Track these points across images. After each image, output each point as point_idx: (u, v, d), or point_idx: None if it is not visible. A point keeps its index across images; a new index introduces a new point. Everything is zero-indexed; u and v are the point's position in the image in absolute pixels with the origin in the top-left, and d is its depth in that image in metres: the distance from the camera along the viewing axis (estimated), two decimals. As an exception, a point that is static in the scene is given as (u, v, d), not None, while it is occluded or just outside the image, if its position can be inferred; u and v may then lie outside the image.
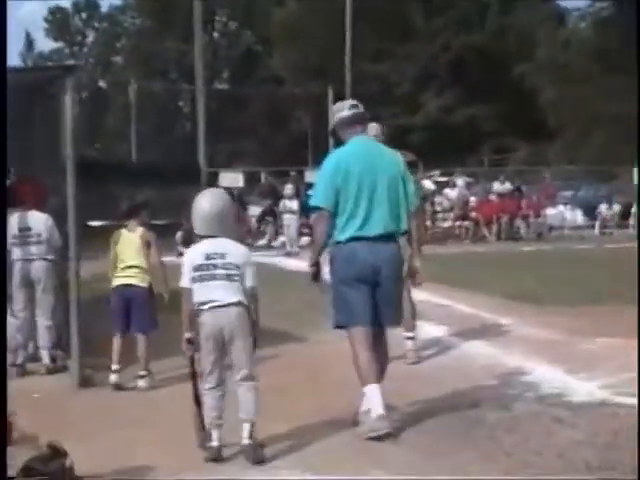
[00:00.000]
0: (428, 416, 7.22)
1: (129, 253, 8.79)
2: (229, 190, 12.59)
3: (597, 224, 31.50)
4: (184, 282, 6.24)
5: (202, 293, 6.17)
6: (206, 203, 6.34)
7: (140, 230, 8.88)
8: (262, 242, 28.90)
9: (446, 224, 31.09)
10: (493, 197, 30.98)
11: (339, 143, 7.24)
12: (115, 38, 78.61)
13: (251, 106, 59.62)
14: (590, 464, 5.96)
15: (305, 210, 25.64)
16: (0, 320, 8.04)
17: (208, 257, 6.19)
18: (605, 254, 23.10)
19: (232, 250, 6.26)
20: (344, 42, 43.53)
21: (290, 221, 25.67)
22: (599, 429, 6.81)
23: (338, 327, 7.03)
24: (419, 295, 9.99)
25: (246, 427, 6.12)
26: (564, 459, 6.10)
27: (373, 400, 6.65)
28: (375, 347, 6.88)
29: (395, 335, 9.89)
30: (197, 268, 6.18)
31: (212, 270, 6.16)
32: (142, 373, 8.60)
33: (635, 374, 8.22)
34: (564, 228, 32.16)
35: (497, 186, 32.12)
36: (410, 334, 9.47)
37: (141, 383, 8.57)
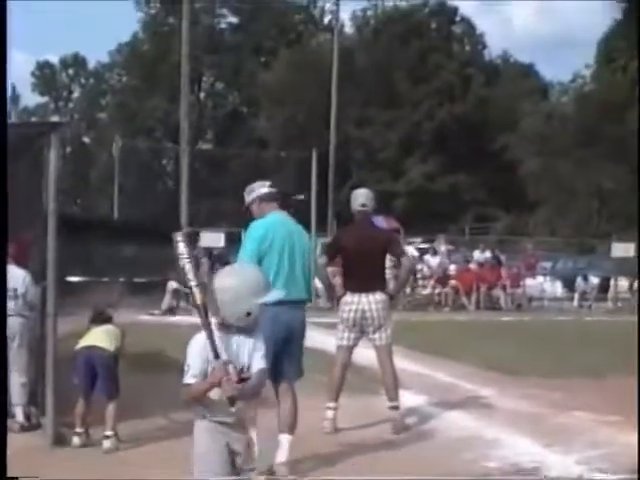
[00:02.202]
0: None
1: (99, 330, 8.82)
2: None
3: (576, 296, 31.54)
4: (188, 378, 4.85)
5: None
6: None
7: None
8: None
9: (426, 291, 31.08)
10: (473, 266, 31.02)
11: (251, 219, 7.96)
12: (101, 95, 78.93)
13: (234, 167, 59.80)
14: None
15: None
16: (0, 319, 7.94)
17: None
18: (583, 327, 23.14)
19: None
20: (329, 106, 43.79)
21: None
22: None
23: None
24: (398, 363, 9.96)
25: None
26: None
27: (284, 444, 7.48)
28: (285, 400, 7.61)
29: (378, 403, 9.92)
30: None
31: None
32: (108, 434, 8.50)
33: (610, 450, 8.44)
34: (544, 299, 32.20)
35: (477, 255, 32.21)
36: (393, 404, 9.43)
37: (106, 444, 8.47)
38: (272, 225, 7.75)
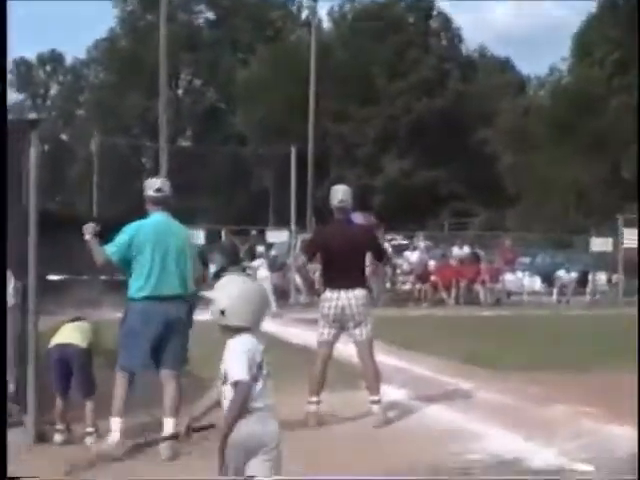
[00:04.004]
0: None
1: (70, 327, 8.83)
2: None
3: (555, 291, 31.70)
4: (244, 374, 4.89)
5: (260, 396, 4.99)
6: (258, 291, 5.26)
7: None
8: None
9: (405, 287, 31.17)
10: (452, 261, 31.12)
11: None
12: (78, 92, 78.67)
13: (213, 164, 59.75)
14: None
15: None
16: (0, 319, 7.92)
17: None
18: (562, 321, 23.30)
19: None
20: (307, 102, 43.82)
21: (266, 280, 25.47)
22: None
23: (122, 369, 8.34)
24: (379, 358, 10.01)
25: None
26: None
27: (115, 428, 8.19)
28: (168, 387, 8.27)
29: (359, 397, 9.97)
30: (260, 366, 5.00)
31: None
32: (89, 430, 8.52)
33: (591, 441, 8.55)
34: (523, 294, 32.35)
35: (456, 250, 32.30)
36: (375, 397, 9.49)
37: (88, 440, 8.48)
38: (143, 228, 8.41)
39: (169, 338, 8.26)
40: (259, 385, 4.94)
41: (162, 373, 8.35)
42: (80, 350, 8.57)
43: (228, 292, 5.04)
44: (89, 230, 8.43)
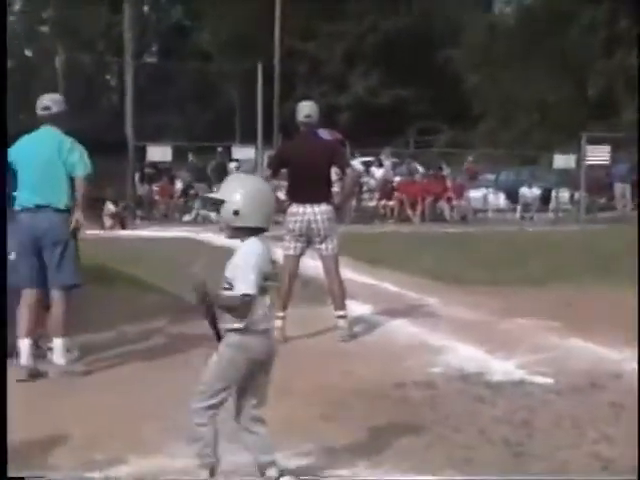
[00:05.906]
0: (354, 394, 7.33)
1: None
2: None
3: (519, 207, 31.95)
4: (252, 288, 4.81)
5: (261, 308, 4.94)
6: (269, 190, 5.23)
7: None
8: (189, 217, 29.16)
9: (371, 204, 31.29)
10: (418, 178, 31.21)
11: None
12: (42, 7, 77.36)
13: (179, 80, 59.19)
14: (508, 440, 6.16)
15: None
16: (1, 317, 7.83)
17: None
18: (526, 237, 23.53)
19: None
20: (273, 19, 43.41)
21: None
22: (516, 407, 7.03)
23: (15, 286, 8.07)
24: (345, 274, 10.13)
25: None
26: (484, 435, 6.29)
27: (23, 350, 7.87)
28: (56, 306, 8.02)
29: (325, 312, 10.11)
30: (267, 277, 4.94)
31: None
32: None
33: (550, 354, 8.73)
34: (488, 211, 32.58)
35: (422, 167, 32.42)
36: (341, 312, 9.62)
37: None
38: (20, 143, 8.36)
39: (48, 252, 8.03)
40: (267, 300, 4.93)
41: (51, 293, 8.09)
42: None
43: (241, 192, 4.83)
44: None
